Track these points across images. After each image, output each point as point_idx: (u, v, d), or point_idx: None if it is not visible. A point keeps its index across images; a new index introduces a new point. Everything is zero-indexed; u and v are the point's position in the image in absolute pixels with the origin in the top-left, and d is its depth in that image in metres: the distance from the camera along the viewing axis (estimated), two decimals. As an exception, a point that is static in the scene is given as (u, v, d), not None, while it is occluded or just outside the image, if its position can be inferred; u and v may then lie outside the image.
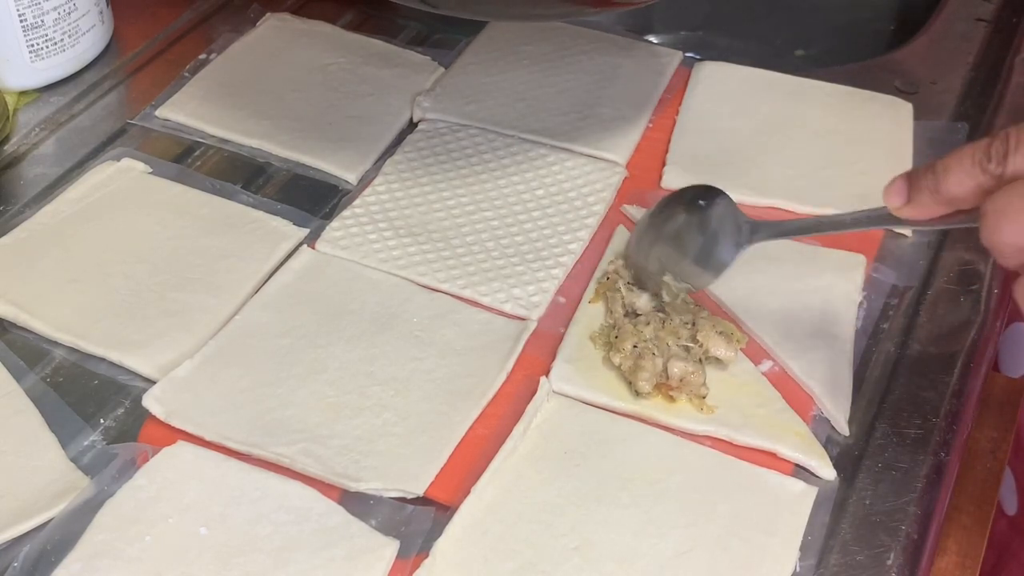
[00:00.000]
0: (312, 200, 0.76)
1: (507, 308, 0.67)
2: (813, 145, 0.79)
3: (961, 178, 0.51)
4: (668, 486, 0.58)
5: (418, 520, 0.57)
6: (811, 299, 0.67)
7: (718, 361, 0.62)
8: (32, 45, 0.82)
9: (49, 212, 0.73)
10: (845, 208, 0.64)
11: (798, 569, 0.55)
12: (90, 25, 0.85)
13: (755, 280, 0.68)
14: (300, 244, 0.72)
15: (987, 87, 0.84)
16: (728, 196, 0.65)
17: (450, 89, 0.83)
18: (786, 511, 0.57)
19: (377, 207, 0.74)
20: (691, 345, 0.62)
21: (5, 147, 0.79)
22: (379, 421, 0.61)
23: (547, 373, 0.63)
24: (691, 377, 0.60)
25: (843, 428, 0.61)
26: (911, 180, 0.54)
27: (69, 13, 0.83)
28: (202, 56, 0.86)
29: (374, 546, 0.55)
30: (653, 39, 0.89)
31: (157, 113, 0.82)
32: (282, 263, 0.70)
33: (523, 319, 0.67)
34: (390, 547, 0.55)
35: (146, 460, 0.59)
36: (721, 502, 0.57)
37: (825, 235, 0.67)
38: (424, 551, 0.55)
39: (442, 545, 0.55)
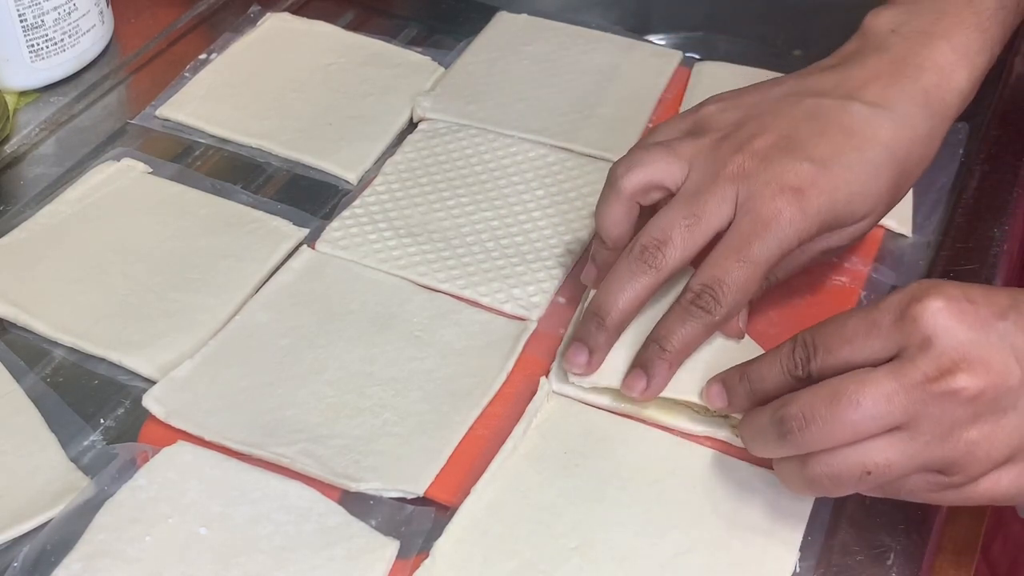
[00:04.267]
0: (312, 200, 0.76)
1: (507, 308, 0.67)
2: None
3: (775, 384, 0.55)
4: (668, 486, 0.58)
5: (418, 520, 0.57)
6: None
7: None
8: (32, 45, 0.82)
9: (49, 212, 0.73)
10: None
11: (798, 569, 0.55)
12: (90, 25, 0.85)
13: None
14: (300, 244, 0.72)
15: (987, 87, 0.83)
16: None
17: (450, 89, 0.83)
18: (786, 511, 0.57)
19: (377, 207, 0.74)
20: None
21: (5, 147, 0.79)
22: (379, 421, 0.61)
23: (547, 373, 0.63)
24: None
25: None
26: (727, 385, 0.57)
27: (69, 13, 0.83)
28: (202, 56, 0.86)
29: (374, 546, 0.55)
30: (653, 39, 0.89)
31: (157, 113, 0.82)
32: (282, 263, 0.70)
33: (523, 319, 0.67)
34: (390, 547, 0.55)
35: (146, 460, 0.59)
36: (721, 502, 0.58)
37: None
38: (424, 551, 0.55)
39: (442, 545, 0.55)
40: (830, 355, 0.52)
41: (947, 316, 0.49)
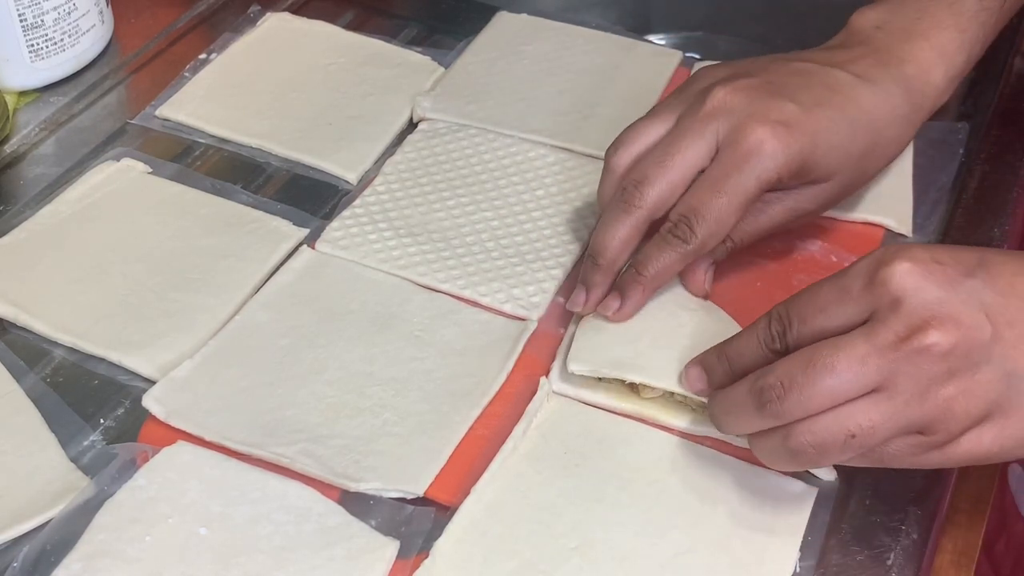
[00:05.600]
0: (312, 200, 0.76)
1: (507, 308, 0.67)
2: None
3: (753, 359, 0.55)
4: (668, 486, 0.58)
5: (418, 520, 0.57)
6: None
7: None
8: (32, 45, 0.82)
9: (49, 212, 0.73)
10: (843, 203, 0.66)
11: (798, 569, 0.55)
12: (90, 25, 0.85)
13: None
14: (300, 244, 0.72)
15: (987, 87, 0.84)
16: None
17: (450, 89, 0.83)
18: (786, 511, 0.57)
19: (377, 207, 0.74)
20: None
21: (5, 147, 0.79)
22: (379, 421, 0.61)
23: (547, 373, 0.63)
24: None
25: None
26: (706, 366, 0.58)
27: (69, 13, 0.83)
28: (202, 56, 0.86)
29: (374, 546, 0.55)
30: (653, 39, 0.89)
31: (157, 113, 0.82)
32: (282, 263, 0.70)
33: (523, 319, 0.67)
34: (390, 547, 0.55)
35: (146, 460, 0.59)
36: (721, 502, 0.58)
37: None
38: (424, 551, 0.55)
39: (442, 545, 0.55)
40: (805, 325, 0.53)
41: (915, 276, 0.50)
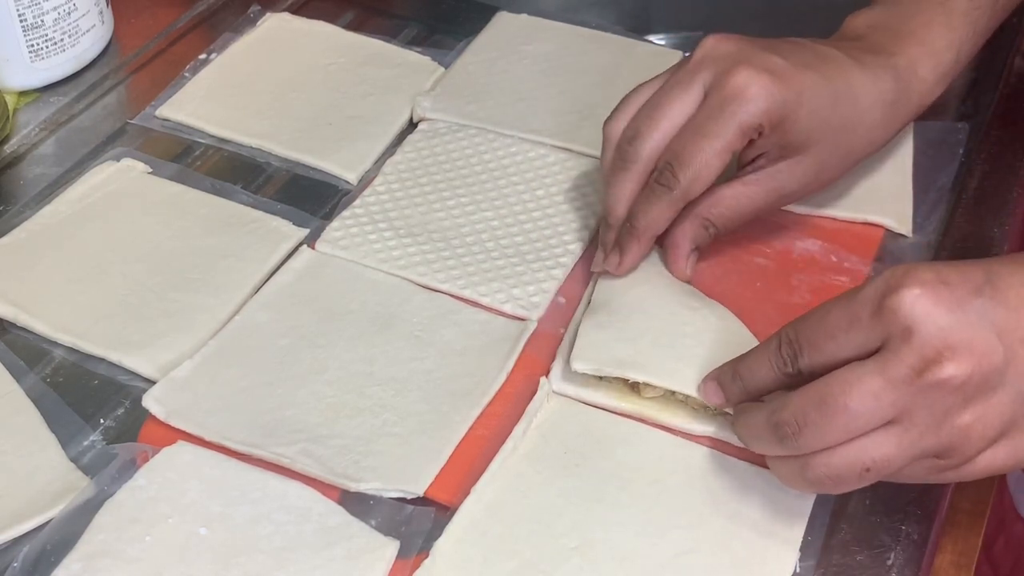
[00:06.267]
0: (312, 200, 0.76)
1: (507, 308, 0.67)
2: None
3: (766, 381, 0.55)
4: (668, 486, 0.58)
5: (418, 520, 0.57)
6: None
7: None
8: (32, 45, 0.82)
9: (49, 212, 0.73)
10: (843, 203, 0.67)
11: (798, 569, 0.55)
12: (90, 25, 0.85)
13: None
14: (300, 244, 0.72)
15: (987, 87, 0.84)
16: None
17: (450, 89, 0.83)
18: (786, 511, 0.57)
19: (377, 207, 0.74)
20: None
21: (5, 147, 0.79)
22: (379, 421, 0.61)
23: (547, 373, 0.63)
24: None
25: None
26: (721, 382, 0.58)
27: (69, 13, 0.83)
28: (202, 56, 0.86)
29: (374, 546, 0.55)
30: (653, 39, 0.89)
31: (157, 113, 0.82)
32: (282, 263, 0.70)
33: (523, 319, 0.67)
34: (390, 547, 0.55)
35: (146, 460, 0.59)
36: (721, 502, 0.58)
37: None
38: (424, 551, 0.55)
39: (442, 545, 0.55)
40: (816, 352, 0.52)
41: (925, 302, 0.49)
